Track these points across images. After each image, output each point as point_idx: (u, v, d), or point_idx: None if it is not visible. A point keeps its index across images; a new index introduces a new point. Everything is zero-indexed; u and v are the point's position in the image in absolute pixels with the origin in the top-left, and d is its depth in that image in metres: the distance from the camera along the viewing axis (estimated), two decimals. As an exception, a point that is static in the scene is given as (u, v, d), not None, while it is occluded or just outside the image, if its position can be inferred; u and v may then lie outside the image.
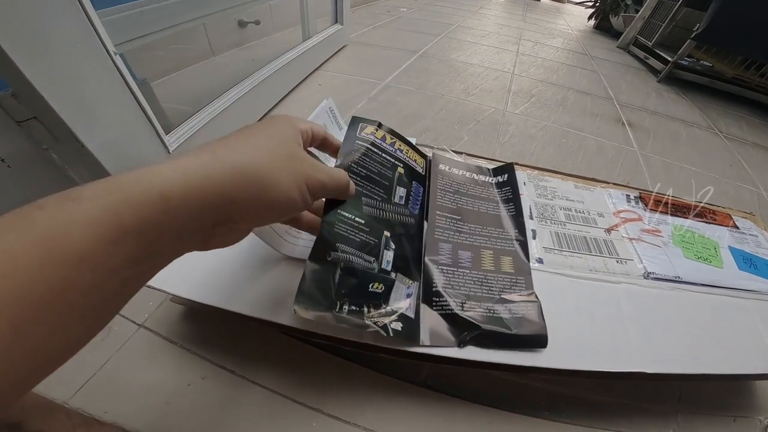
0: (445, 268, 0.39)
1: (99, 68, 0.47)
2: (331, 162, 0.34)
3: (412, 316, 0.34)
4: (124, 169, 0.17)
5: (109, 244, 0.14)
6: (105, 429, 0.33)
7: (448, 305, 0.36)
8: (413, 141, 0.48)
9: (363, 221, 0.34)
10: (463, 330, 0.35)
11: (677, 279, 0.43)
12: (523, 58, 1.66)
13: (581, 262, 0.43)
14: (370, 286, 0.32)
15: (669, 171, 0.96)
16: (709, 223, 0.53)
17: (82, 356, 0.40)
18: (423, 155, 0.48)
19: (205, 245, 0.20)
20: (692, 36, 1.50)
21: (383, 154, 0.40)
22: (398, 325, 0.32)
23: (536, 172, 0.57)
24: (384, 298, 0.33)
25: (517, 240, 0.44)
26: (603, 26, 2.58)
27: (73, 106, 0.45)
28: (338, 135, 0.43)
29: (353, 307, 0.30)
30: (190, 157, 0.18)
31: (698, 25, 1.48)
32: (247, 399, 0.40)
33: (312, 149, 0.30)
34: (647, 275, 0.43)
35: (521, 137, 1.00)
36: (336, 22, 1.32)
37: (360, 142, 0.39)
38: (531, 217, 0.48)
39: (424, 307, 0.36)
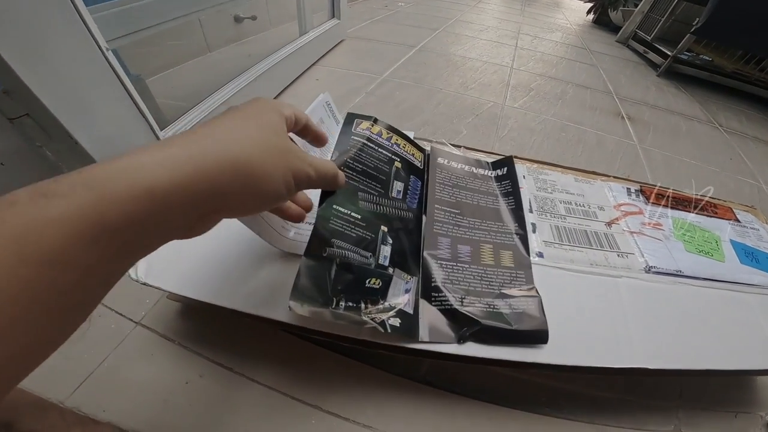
0: (444, 262, 0.38)
1: (91, 64, 0.47)
2: (312, 150, 0.34)
3: (411, 311, 0.33)
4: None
5: (87, 242, 0.14)
6: (100, 428, 0.33)
7: (448, 300, 0.35)
8: (411, 135, 0.48)
9: (359, 216, 0.34)
10: (463, 326, 0.34)
11: (679, 273, 0.43)
12: (522, 52, 1.65)
13: (582, 255, 0.43)
14: (367, 281, 0.32)
15: (669, 164, 0.96)
16: (711, 216, 0.52)
17: (80, 354, 0.41)
18: (421, 149, 0.48)
19: (186, 235, 0.19)
20: (692, 30, 1.49)
21: (379, 149, 0.40)
22: (396, 321, 0.31)
23: (536, 165, 0.56)
24: (381, 293, 0.32)
25: (516, 234, 0.43)
26: (602, 21, 2.56)
27: (65, 102, 0.44)
28: (335, 129, 0.43)
29: (350, 303, 0.30)
30: (176, 147, 0.17)
31: (698, 19, 1.47)
32: (245, 396, 0.40)
33: (292, 135, 0.30)
34: (648, 269, 0.43)
35: (520, 131, 1.00)
36: (333, 16, 1.31)
37: (356, 138, 0.39)
38: (531, 211, 0.47)
39: (422, 303, 0.35)
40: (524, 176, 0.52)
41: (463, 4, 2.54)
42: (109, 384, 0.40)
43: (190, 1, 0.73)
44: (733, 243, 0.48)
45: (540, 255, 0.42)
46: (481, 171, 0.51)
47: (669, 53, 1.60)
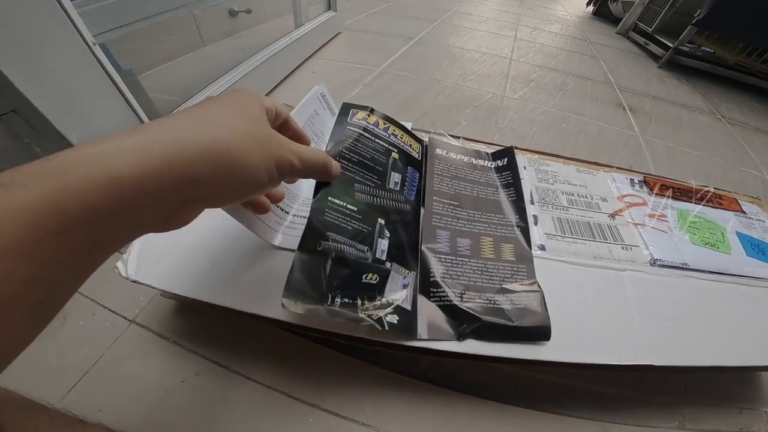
0: (443, 256, 0.37)
1: (77, 59, 0.46)
2: None
3: (409, 307, 0.32)
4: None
5: (51, 234, 0.13)
6: (89, 429, 0.32)
7: (447, 296, 0.34)
8: (409, 126, 0.47)
9: (355, 208, 0.33)
10: (463, 322, 0.33)
11: (684, 266, 0.41)
12: (521, 43, 1.63)
13: (585, 248, 0.42)
14: (364, 276, 0.31)
15: (672, 155, 0.95)
16: (716, 207, 0.51)
17: (74, 353, 0.41)
18: (419, 140, 0.47)
19: (162, 227, 0.19)
20: (693, 22, 1.47)
21: (376, 140, 0.39)
22: (394, 318, 0.30)
23: (537, 156, 0.55)
24: (379, 289, 0.32)
25: (518, 226, 0.42)
26: (602, 12, 2.52)
27: (51, 98, 0.44)
28: (331, 121, 0.42)
29: (346, 300, 0.29)
30: (146, 134, 0.16)
31: (699, 11, 1.45)
32: (243, 395, 0.39)
33: None
34: (654, 262, 0.41)
35: (520, 122, 0.98)
36: (329, 8, 1.29)
37: (351, 128, 0.38)
38: (532, 203, 0.46)
39: (421, 299, 0.34)
40: (525, 167, 0.51)
41: (461, -4, 2.50)
42: (105, 383, 0.39)
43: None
44: (739, 235, 0.47)
45: (542, 248, 0.41)
46: (480, 162, 0.49)
47: (670, 45, 1.58)
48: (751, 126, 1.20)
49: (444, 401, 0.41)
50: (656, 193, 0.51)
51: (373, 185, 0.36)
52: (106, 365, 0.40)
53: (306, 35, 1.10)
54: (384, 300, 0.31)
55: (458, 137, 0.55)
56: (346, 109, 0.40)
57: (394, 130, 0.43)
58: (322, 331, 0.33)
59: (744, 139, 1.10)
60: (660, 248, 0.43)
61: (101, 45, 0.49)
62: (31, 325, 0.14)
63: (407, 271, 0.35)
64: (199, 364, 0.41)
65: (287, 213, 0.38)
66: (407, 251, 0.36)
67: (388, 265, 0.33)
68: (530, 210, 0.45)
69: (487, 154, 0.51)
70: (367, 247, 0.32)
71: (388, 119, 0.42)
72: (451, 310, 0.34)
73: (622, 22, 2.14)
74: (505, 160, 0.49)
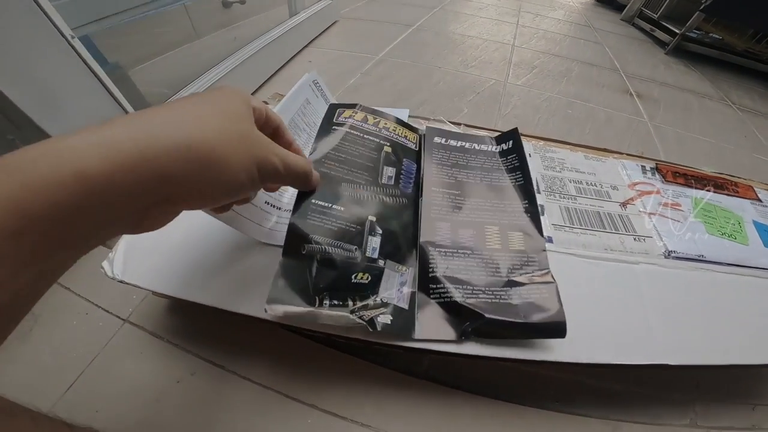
0: (443, 250, 0.35)
1: (55, 54, 0.45)
2: None
3: (406, 306, 0.31)
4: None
5: (11, 234, 0.12)
6: (76, 433, 0.31)
7: (447, 292, 0.32)
8: (406, 114, 0.45)
9: (341, 208, 0.32)
10: (465, 320, 0.31)
11: (701, 258, 0.39)
12: (524, 30, 1.60)
13: (595, 240, 0.40)
14: (353, 277, 0.30)
15: (682, 142, 0.93)
16: (732, 195, 0.48)
17: (68, 353, 0.40)
18: (414, 129, 0.45)
19: (136, 228, 0.18)
20: (701, 8, 1.44)
21: (366, 136, 0.39)
22: (387, 319, 0.29)
23: (542, 142, 0.52)
24: (371, 289, 0.30)
25: (527, 211, 0.38)
26: (606, -2, 2.47)
27: (30, 93, 0.43)
28: (325, 109, 0.40)
29: (335, 302, 0.28)
30: (117, 128, 0.15)
31: (707, -3, 1.41)
32: (239, 395, 0.38)
33: None
34: (668, 254, 0.39)
35: (524, 108, 0.96)
36: (326, -4, 1.26)
37: (336, 128, 0.38)
38: (538, 191, 0.44)
39: (420, 296, 0.32)
40: (530, 154, 0.49)
41: (461, -18, 2.45)
42: (101, 384, 0.38)
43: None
44: (756, 224, 0.45)
45: (549, 240, 0.39)
46: (483, 147, 0.46)
47: (677, 31, 1.55)
48: (762, 112, 1.18)
49: (446, 400, 0.40)
50: (669, 181, 0.48)
51: (363, 182, 0.35)
52: (101, 366, 0.40)
53: (301, 24, 1.07)
54: (378, 299, 0.30)
55: (459, 124, 0.53)
56: (332, 110, 0.40)
57: (386, 124, 0.41)
58: (318, 330, 0.32)
59: (756, 126, 1.08)
60: (674, 239, 0.41)
61: (82, 38, 0.47)
62: None
63: (404, 268, 0.33)
64: (194, 364, 0.40)
65: (277, 209, 0.37)
66: (404, 247, 0.34)
67: (381, 263, 0.32)
68: (536, 199, 0.42)
69: (491, 138, 0.48)
70: (355, 247, 0.31)
71: (377, 113, 0.42)
72: (452, 307, 0.32)
73: (626, 8, 2.10)
74: (510, 142, 0.46)
